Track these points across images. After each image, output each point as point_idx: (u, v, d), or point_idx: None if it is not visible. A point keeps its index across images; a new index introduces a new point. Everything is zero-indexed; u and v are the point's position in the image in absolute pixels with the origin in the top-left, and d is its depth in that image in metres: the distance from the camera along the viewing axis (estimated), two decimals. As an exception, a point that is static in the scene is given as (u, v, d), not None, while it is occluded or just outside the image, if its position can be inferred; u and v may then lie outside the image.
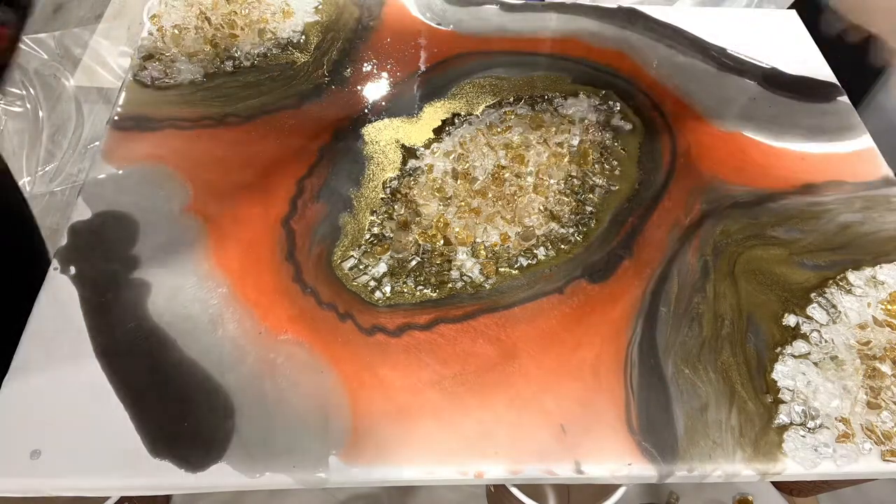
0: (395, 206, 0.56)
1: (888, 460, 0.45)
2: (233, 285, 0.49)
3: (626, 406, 0.46)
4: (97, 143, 0.57)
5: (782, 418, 0.46)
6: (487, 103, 0.65)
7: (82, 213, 0.53)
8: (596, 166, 0.60)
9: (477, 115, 0.64)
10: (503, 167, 0.59)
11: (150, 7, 0.70)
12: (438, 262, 0.52)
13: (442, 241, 0.54)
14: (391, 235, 0.54)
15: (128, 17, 1.50)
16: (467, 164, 0.59)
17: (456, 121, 0.63)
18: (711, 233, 0.56)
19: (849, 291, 0.53)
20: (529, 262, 0.53)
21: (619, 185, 0.59)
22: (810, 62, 0.73)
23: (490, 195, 0.57)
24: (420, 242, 0.53)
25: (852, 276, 0.54)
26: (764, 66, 0.72)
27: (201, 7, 0.70)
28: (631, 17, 0.76)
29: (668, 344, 0.49)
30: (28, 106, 1.32)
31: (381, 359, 0.47)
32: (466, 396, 0.45)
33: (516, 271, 0.53)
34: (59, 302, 0.48)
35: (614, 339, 0.49)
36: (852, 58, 0.88)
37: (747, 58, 0.72)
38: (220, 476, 0.41)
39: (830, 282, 0.53)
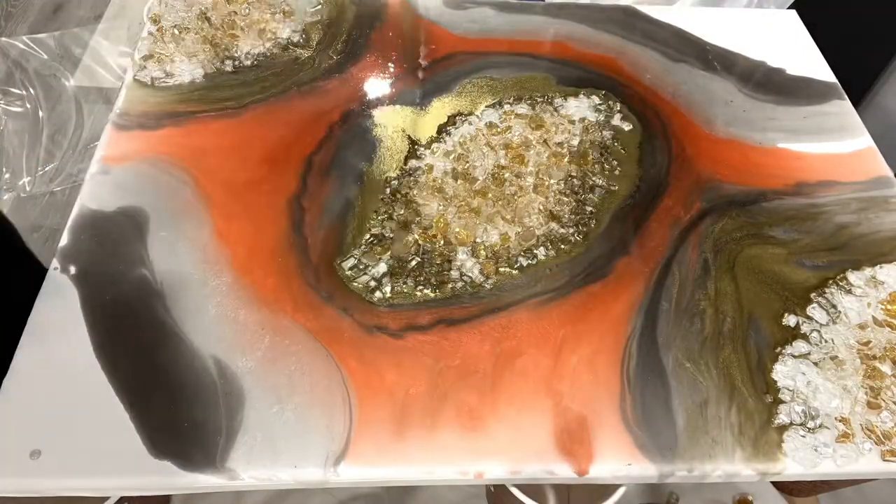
0: (396, 207, 0.56)
1: (888, 460, 0.45)
2: (238, 273, 0.49)
3: (627, 403, 0.46)
4: (97, 143, 0.57)
5: (782, 418, 0.46)
6: (487, 103, 0.65)
7: (82, 212, 0.53)
8: (596, 166, 0.60)
9: (477, 115, 0.64)
10: (503, 167, 0.59)
11: (150, 7, 0.70)
12: (438, 262, 0.52)
13: (442, 242, 0.54)
14: (391, 235, 0.54)
15: (128, 17, 1.50)
16: (467, 164, 0.59)
17: (456, 120, 0.63)
18: (710, 231, 0.56)
19: (849, 291, 0.53)
20: (529, 262, 0.53)
21: (619, 185, 0.59)
22: (810, 62, 0.73)
23: (490, 195, 0.57)
24: (420, 242, 0.53)
25: (852, 276, 0.54)
26: (763, 66, 0.72)
27: (201, 7, 0.70)
28: (630, 17, 0.76)
29: (669, 338, 0.49)
30: (28, 106, 1.32)
31: (382, 358, 0.47)
32: (467, 396, 0.45)
33: (516, 271, 0.53)
34: (59, 302, 0.48)
35: (614, 335, 0.49)
36: (852, 58, 0.88)
37: (747, 58, 0.72)
38: (220, 476, 0.41)
39: (830, 282, 0.53)
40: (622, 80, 0.69)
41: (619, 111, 0.65)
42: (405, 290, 0.51)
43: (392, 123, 0.62)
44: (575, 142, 0.62)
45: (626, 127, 0.64)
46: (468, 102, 0.65)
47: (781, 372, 0.48)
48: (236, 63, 0.66)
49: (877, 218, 0.58)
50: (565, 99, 0.66)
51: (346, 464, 0.42)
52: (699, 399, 0.46)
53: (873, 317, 0.51)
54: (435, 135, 0.62)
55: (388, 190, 0.57)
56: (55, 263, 0.50)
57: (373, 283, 0.51)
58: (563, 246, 0.55)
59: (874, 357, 0.49)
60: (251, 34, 0.69)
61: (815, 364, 0.48)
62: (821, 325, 0.50)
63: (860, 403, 0.47)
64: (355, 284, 0.51)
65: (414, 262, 0.52)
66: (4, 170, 1.24)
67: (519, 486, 0.52)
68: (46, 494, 0.41)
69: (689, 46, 0.73)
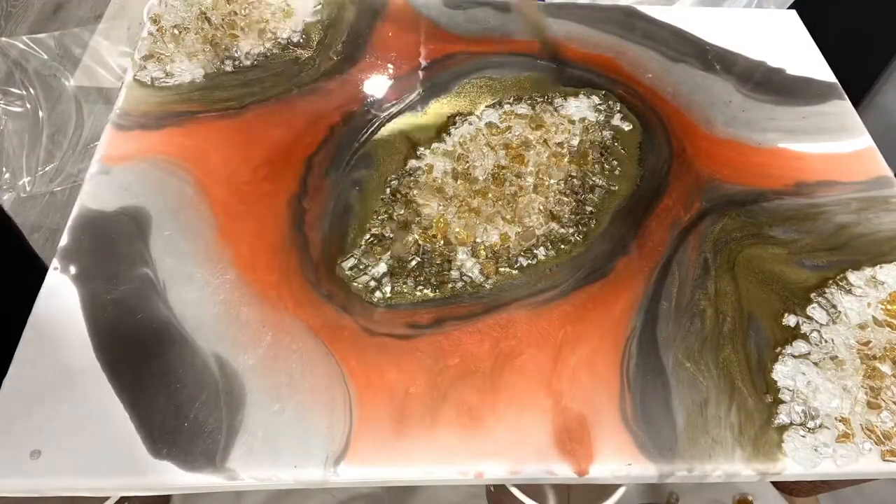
0: (396, 207, 0.56)
1: (888, 460, 0.45)
2: (241, 271, 0.49)
3: (627, 402, 0.46)
4: (97, 143, 0.57)
5: (782, 418, 0.46)
6: (487, 103, 0.65)
7: (82, 212, 0.53)
8: (596, 166, 0.60)
9: (477, 115, 0.64)
10: (503, 167, 0.59)
11: (150, 7, 0.70)
12: (438, 262, 0.53)
13: (442, 242, 0.54)
14: (391, 235, 0.54)
15: (128, 17, 1.50)
16: (467, 164, 0.59)
17: (456, 120, 0.63)
18: (710, 231, 0.56)
19: (849, 291, 0.53)
20: (529, 262, 0.53)
21: (619, 185, 0.59)
22: (810, 62, 0.73)
23: (490, 195, 0.57)
24: (420, 242, 0.53)
25: (852, 276, 0.54)
26: (763, 66, 0.72)
27: (201, 7, 0.70)
28: (629, 17, 0.76)
29: (669, 338, 0.49)
30: (28, 106, 1.32)
31: (382, 358, 0.47)
32: (467, 396, 0.45)
33: (516, 271, 0.53)
34: (59, 302, 0.48)
35: (614, 335, 0.49)
36: (852, 58, 0.88)
37: (747, 58, 0.72)
38: (220, 476, 0.41)
39: (830, 282, 0.53)
40: (622, 79, 0.69)
41: (619, 111, 0.65)
42: (405, 290, 0.51)
43: (392, 124, 0.62)
44: (575, 142, 0.62)
45: (626, 127, 0.64)
46: (468, 102, 0.65)
47: (781, 372, 0.48)
48: (236, 63, 0.66)
49: (877, 218, 0.58)
50: (565, 99, 0.66)
51: (346, 464, 0.42)
52: (699, 399, 0.46)
53: (873, 317, 0.51)
54: (435, 135, 0.62)
55: (388, 190, 0.57)
56: (55, 263, 0.50)
57: (373, 283, 0.51)
58: (563, 246, 0.55)
59: (874, 357, 0.49)
60: (251, 34, 0.69)
61: (815, 364, 0.48)
62: (821, 325, 0.51)
63: (860, 403, 0.47)
64: (355, 284, 0.51)
65: (414, 262, 0.52)
66: (4, 170, 1.24)
67: (519, 486, 0.52)
68: (46, 494, 0.41)
69: (688, 46, 0.73)
